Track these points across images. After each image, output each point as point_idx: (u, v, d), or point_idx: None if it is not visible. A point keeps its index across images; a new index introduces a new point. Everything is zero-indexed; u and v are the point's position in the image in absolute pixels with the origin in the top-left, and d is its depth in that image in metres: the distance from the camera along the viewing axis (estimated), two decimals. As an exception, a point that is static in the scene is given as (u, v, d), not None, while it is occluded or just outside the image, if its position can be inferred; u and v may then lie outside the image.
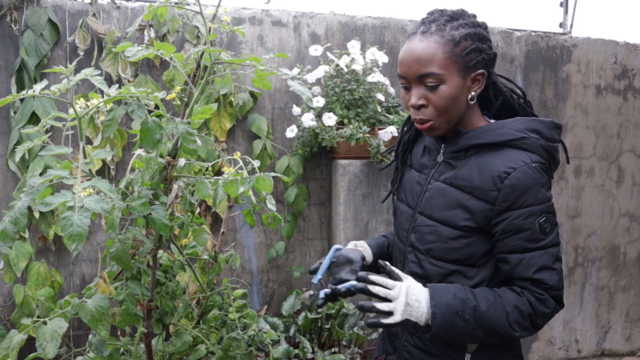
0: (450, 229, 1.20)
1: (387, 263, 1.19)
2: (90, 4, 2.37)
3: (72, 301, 1.19)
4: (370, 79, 2.48)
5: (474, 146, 1.21)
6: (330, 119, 2.41)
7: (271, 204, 1.50)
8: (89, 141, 2.30)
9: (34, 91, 0.98)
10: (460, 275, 1.21)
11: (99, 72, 1.03)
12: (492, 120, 1.26)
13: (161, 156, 1.26)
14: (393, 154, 1.45)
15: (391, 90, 2.59)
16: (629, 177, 3.30)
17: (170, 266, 1.49)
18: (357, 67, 2.47)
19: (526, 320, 1.14)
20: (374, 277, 1.13)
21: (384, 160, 2.50)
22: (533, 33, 3.06)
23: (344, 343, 2.36)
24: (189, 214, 1.48)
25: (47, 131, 1.06)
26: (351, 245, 1.40)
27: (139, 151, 1.21)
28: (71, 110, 1.11)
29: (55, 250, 2.38)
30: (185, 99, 1.24)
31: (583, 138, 3.19)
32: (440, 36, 1.14)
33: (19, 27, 2.27)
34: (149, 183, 1.22)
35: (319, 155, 2.69)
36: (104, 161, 2.37)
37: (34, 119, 2.24)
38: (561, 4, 3.21)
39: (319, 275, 1.29)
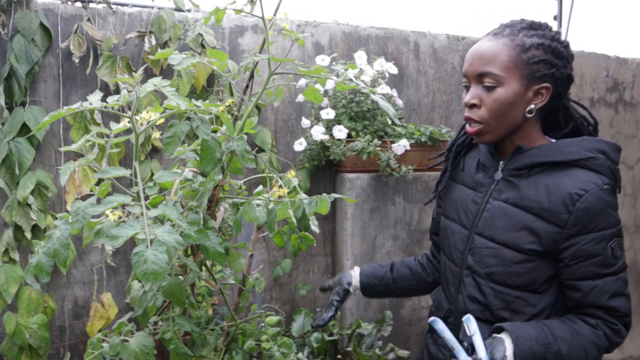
0: (514, 252, 1.14)
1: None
2: (84, 7, 2.21)
3: (110, 340, 1.05)
4: (379, 90, 2.41)
5: (539, 164, 1.14)
6: (340, 132, 2.32)
7: (314, 225, 1.40)
8: (78, 155, 2.13)
9: (90, 104, 0.85)
10: (523, 303, 1.15)
11: (167, 82, 0.91)
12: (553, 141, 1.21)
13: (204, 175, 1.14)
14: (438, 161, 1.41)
15: (399, 102, 2.53)
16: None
17: (202, 294, 1.36)
18: (366, 78, 2.40)
19: (601, 354, 1.11)
20: None
21: (393, 173, 2.42)
22: (530, 46, 3.06)
23: (358, 365, 2.26)
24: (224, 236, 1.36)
25: (92, 147, 0.93)
26: None
27: (186, 171, 1.08)
28: (115, 126, 0.99)
29: (45, 273, 2.19)
30: (236, 113, 1.13)
31: (577, 150, 3.21)
32: (510, 39, 1.11)
33: (7, 32, 2.09)
34: (194, 207, 1.10)
35: (322, 169, 2.60)
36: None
37: (24, 130, 2.05)
38: (555, 17, 3.25)
39: None
